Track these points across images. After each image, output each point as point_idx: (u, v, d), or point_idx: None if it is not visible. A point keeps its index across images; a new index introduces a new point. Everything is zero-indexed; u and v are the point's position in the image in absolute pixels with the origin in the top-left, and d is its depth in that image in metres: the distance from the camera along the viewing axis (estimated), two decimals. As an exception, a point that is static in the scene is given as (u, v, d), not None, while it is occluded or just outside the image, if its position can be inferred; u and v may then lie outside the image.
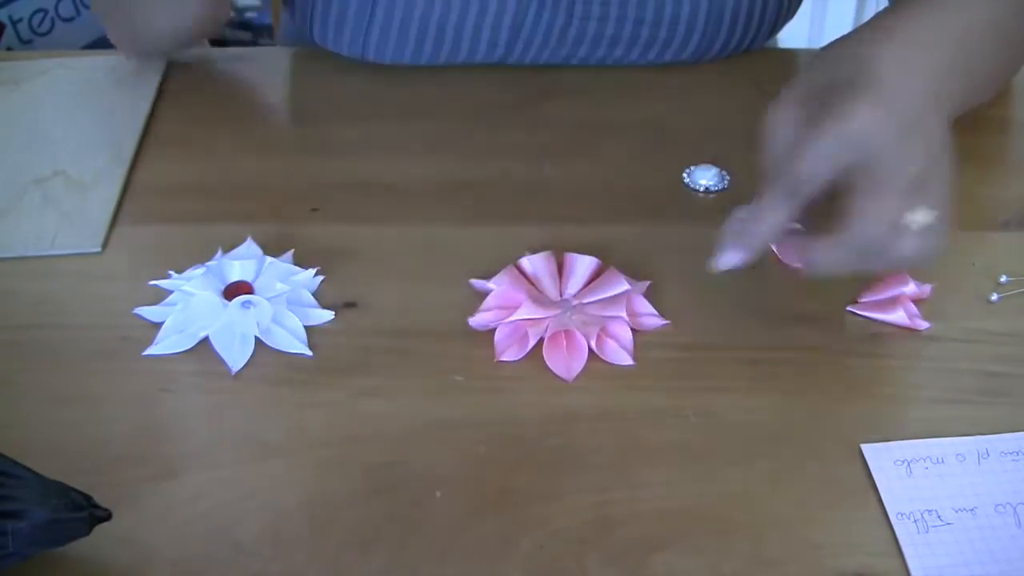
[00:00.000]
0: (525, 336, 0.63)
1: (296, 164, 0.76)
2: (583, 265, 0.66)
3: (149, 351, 0.63)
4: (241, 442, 0.59)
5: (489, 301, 0.64)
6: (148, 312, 0.65)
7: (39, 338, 0.64)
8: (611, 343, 0.63)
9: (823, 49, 0.62)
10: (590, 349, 0.62)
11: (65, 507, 0.50)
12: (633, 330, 0.63)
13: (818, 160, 0.57)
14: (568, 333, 0.63)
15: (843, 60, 0.60)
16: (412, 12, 0.82)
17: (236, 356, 0.62)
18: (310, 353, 0.63)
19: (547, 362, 0.62)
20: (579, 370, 0.62)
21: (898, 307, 0.65)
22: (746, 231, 0.60)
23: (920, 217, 0.57)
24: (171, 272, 0.66)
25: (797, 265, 0.63)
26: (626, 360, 0.62)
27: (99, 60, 0.87)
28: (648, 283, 0.66)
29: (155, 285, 0.66)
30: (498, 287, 0.65)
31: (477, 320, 0.64)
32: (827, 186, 0.58)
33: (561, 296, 0.65)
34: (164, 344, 0.63)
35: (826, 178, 0.57)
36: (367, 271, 0.68)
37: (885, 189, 0.57)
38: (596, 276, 0.66)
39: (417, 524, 0.55)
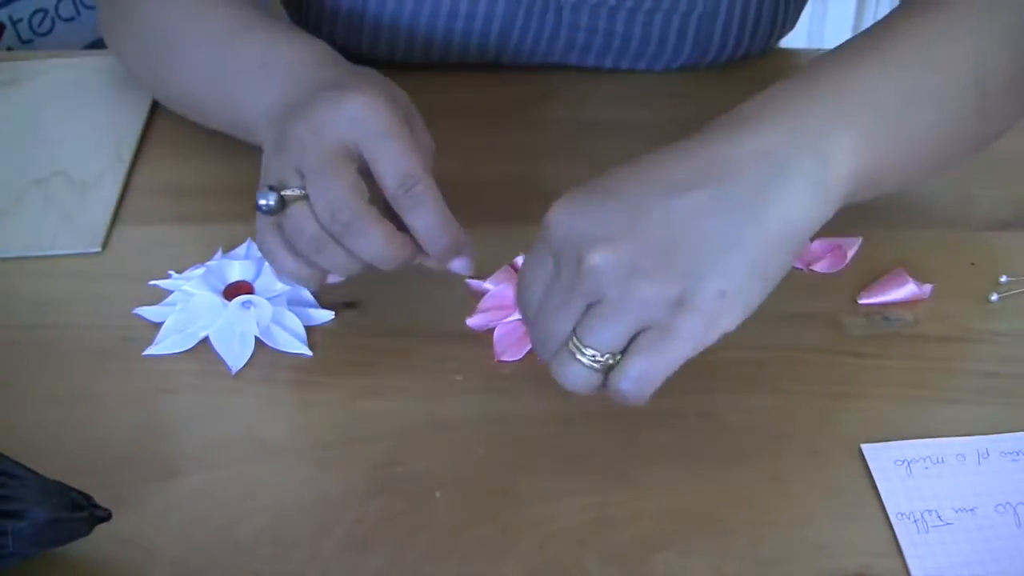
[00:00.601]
0: (524, 336, 0.63)
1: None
2: None
3: (149, 351, 0.63)
4: (241, 442, 0.59)
5: (486, 302, 0.64)
6: (148, 312, 0.65)
7: (39, 338, 0.64)
8: None
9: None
10: None
11: (65, 507, 0.50)
12: None
13: (558, 319, 0.52)
14: (520, 326, 0.63)
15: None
16: (401, 13, 0.82)
17: (236, 356, 0.62)
18: (310, 353, 0.63)
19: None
20: (511, 359, 0.62)
21: (904, 284, 0.65)
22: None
23: (574, 349, 0.51)
24: (171, 272, 0.66)
25: (828, 270, 0.65)
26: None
27: (98, 60, 0.87)
28: None
29: (155, 285, 0.66)
30: (494, 287, 0.65)
31: (475, 321, 0.64)
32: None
33: None
34: (164, 344, 0.63)
35: (570, 329, 0.51)
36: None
37: (558, 289, 0.52)
38: None
39: (417, 524, 0.55)
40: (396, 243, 0.58)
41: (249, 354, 0.63)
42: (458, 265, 0.61)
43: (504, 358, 0.62)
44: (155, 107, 0.82)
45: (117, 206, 0.73)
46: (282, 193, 0.58)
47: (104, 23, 0.80)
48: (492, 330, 0.64)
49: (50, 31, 1.13)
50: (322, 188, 0.57)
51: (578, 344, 0.51)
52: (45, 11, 1.13)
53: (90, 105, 0.82)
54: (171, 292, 0.66)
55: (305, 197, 0.58)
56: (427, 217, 0.58)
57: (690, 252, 0.50)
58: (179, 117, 0.79)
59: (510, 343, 0.63)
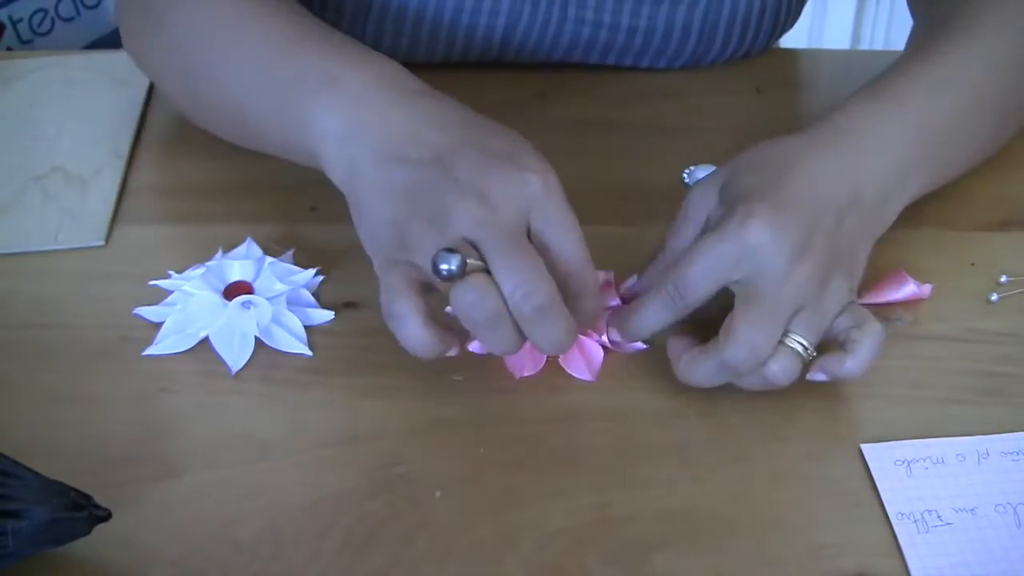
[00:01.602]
0: (538, 355, 0.62)
1: (295, 164, 0.76)
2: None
3: (149, 351, 0.63)
4: (241, 442, 0.59)
5: None
6: (148, 312, 0.65)
7: (39, 338, 0.64)
8: (576, 355, 0.62)
9: (749, 149, 0.62)
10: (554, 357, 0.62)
11: (65, 507, 0.50)
12: (608, 349, 0.63)
13: (705, 271, 0.57)
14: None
15: (756, 166, 0.59)
16: (406, 9, 0.82)
17: (236, 356, 0.62)
18: (310, 353, 0.63)
19: (567, 369, 0.62)
20: (599, 366, 0.62)
21: (904, 284, 0.65)
22: (624, 323, 0.60)
23: (793, 344, 0.57)
24: (171, 272, 0.66)
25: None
26: (587, 376, 0.62)
27: (92, 58, 0.87)
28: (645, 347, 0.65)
29: (155, 285, 0.66)
30: None
31: (478, 345, 0.62)
32: (713, 296, 0.58)
33: None
34: (164, 344, 0.63)
35: (711, 290, 0.57)
36: (367, 271, 0.68)
37: (765, 316, 0.56)
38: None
39: (417, 524, 0.55)
40: (574, 335, 0.57)
41: (249, 354, 0.63)
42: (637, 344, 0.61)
43: (525, 374, 0.62)
44: (149, 105, 0.82)
45: (117, 202, 0.73)
46: (469, 261, 0.53)
47: (126, 25, 0.76)
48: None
49: (50, 31, 1.13)
50: (515, 265, 0.54)
51: (797, 339, 0.57)
52: (45, 11, 1.13)
53: (84, 102, 0.82)
54: (171, 292, 0.66)
55: (486, 270, 0.54)
56: (589, 308, 0.59)
57: (852, 251, 0.60)
58: (174, 115, 0.79)
59: (525, 358, 0.62)
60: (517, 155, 0.58)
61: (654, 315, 0.59)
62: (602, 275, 0.64)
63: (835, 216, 0.59)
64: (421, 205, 0.56)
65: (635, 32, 0.83)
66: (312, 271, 0.66)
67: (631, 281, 0.64)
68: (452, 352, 0.59)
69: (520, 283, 0.54)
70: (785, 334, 0.57)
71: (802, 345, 0.57)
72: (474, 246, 0.55)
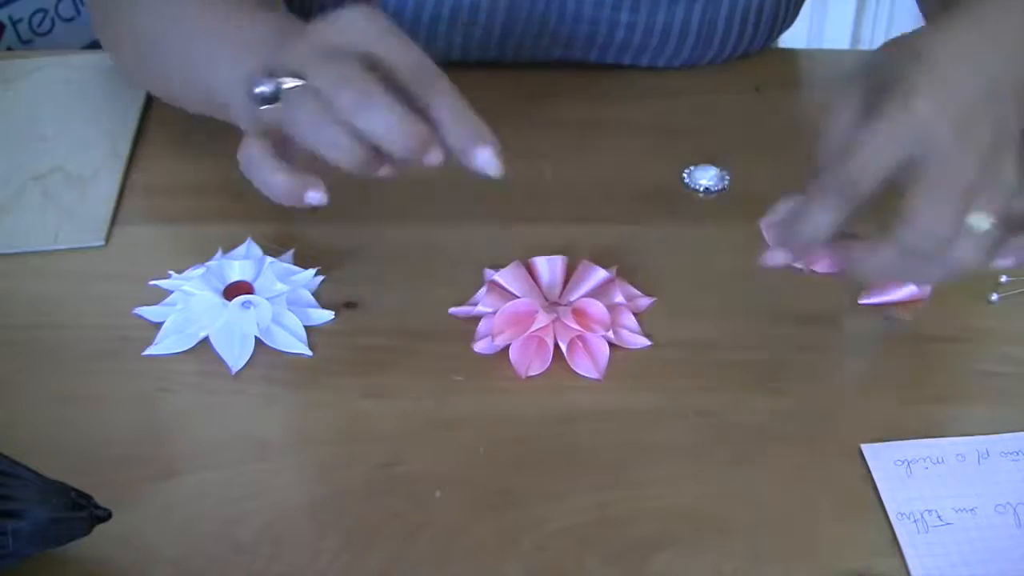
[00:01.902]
0: (543, 345, 0.62)
1: (296, 164, 0.76)
2: (593, 276, 0.65)
3: (149, 351, 0.63)
4: (241, 442, 0.59)
5: (496, 322, 0.62)
6: (148, 312, 0.65)
7: (39, 338, 0.64)
8: (583, 354, 0.62)
9: (883, 45, 0.59)
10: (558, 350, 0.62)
11: (65, 507, 0.50)
12: (614, 345, 0.63)
13: (874, 153, 0.53)
14: (581, 336, 0.62)
15: (901, 54, 0.56)
16: (404, 6, 0.82)
17: (236, 356, 0.62)
18: (310, 353, 0.63)
19: (573, 368, 0.62)
20: (605, 365, 0.62)
21: (904, 284, 0.65)
22: (793, 231, 0.56)
23: (977, 222, 0.53)
24: (171, 272, 0.66)
25: (828, 271, 0.61)
26: (593, 374, 0.62)
27: (91, 58, 0.87)
28: (652, 300, 0.66)
29: (155, 285, 0.66)
30: (491, 308, 0.63)
31: (485, 345, 0.63)
32: (882, 185, 0.54)
33: (551, 299, 0.65)
34: (164, 344, 0.63)
35: (882, 174, 0.53)
36: (367, 271, 0.68)
37: (943, 190, 0.53)
38: (604, 286, 0.65)
39: (417, 524, 0.55)
40: (411, 119, 0.54)
41: (249, 354, 0.63)
42: (484, 158, 0.56)
43: (531, 373, 0.62)
44: (149, 105, 0.82)
45: (117, 202, 0.73)
46: (279, 81, 0.54)
47: (96, 23, 0.80)
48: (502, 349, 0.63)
49: (50, 31, 1.13)
50: (326, 68, 0.54)
51: (982, 216, 0.53)
52: (45, 11, 1.13)
53: (83, 102, 0.82)
54: (171, 292, 0.66)
55: (302, 88, 0.54)
56: (444, 98, 0.55)
57: (1017, 129, 0.55)
58: (174, 115, 0.78)
59: (531, 356, 0.62)
60: (352, 7, 0.57)
61: (826, 212, 0.55)
62: (604, 272, 0.64)
63: (995, 89, 0.55)
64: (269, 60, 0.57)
65: (634, 29, 0.83)
66: (312, 271, 0.66)
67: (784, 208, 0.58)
68: (314, 194, 0.57)
69: (333, 78, 0.53)
70: (967, 212, 0.53)
71: (989, 221, 0.53)
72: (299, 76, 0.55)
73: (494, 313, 0.62)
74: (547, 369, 0.62)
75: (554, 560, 0.53)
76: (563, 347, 0.62)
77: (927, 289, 0.66)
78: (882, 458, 0.57)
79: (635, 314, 0.64)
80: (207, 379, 0.62)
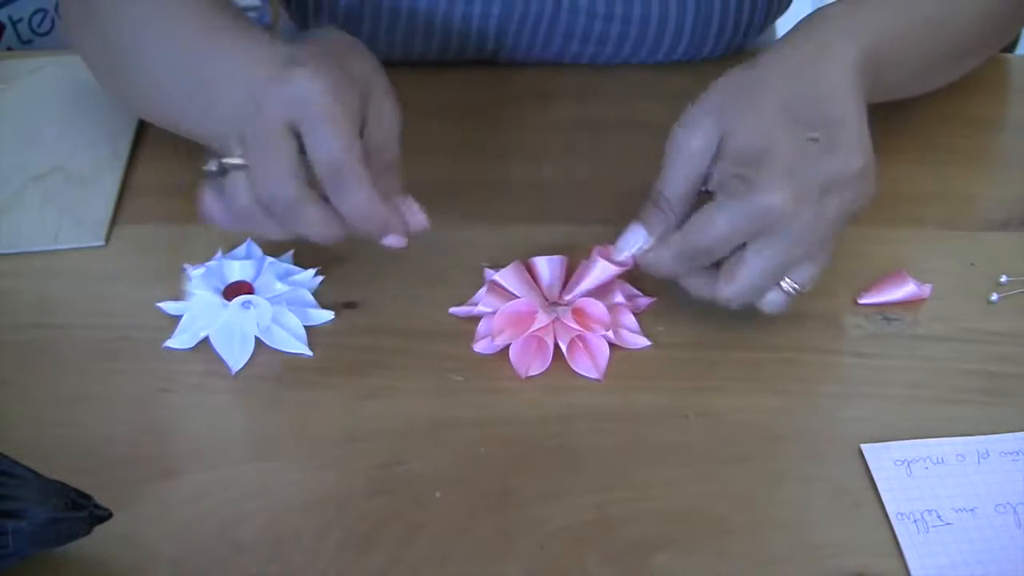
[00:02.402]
0: (542, 345, 0.62)
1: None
2: (595, 272, 0.65)
3: (168, 343, 0.63)
4: (241, 442, 0.59)
5: (495, 323, 0.62)
6: (169, 307, 0.65)
7: (40, 338, 0.64)
8: (582, 354, 0.62)
9: (730, 77, 0.64)
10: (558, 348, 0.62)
11: (65, 507, 0.50)
12: (615, 345, 0.63)
13: (728, 236, 0.59)
14: (581, 336, 0.62)
15: (759, 111, 0.60)
16: (399, 4, 0.82)
17: (236, 356, 0.62)
18: (310, 353, 0.63)
19: (574, 368, 0.62)
20: (605, 365, 0.62)
21: (904, 284, 0.65)
22: (641, 265, 0.63)
23: (785, 286, 0.61)
24: (186, 266, 0.66)
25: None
26: (593, 374, 0.62)
27: (91, 59, 0.87)
28: (651, 300, 0.66)
29: (186, 270, 0.66)
30: (491, 308, 0.63)
31: (485, 345, 0.63)
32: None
33: (551, 299, 0.65)
34: (179, 339, 0.63)
35: (728, 249, 0.60)
36: (367, 271, 0.68)
37: (772, 264, 0.60)
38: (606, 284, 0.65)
39: (417, 524, 0.55)
40: (332, 226, 0.60)
41: (249, 354, 0.63)
42: (390, 240, 0.62)
43: (531, 373, 0.62)
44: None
45: (117, 202, 0.73)
46: (223, 161, 0.60)
47: (66, 21, 0.78)
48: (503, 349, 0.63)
49: (50, 31, 1.13)
50: (261, 167, 0.59)
51: (791, 283, 0.61)
52: (45, 11, 1.12)
53: (83, 102, 0.82)
54: (185, 288, 0.66)
55: (245, 166, 0.60)
56: (351, 203, 0.60)
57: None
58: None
59: (530, 356, 0.62)
60: (300, 61, 0.60)
61: (668, 268, 0.62)
62: (612, 269, 0.64)
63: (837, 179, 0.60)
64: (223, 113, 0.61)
65: (630, 21, 0.83)
66: (312, 271, 0.66)
67: (633, 236, 0.63)
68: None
69: (264, 185, 0.59)
70: (781, 279, 0.61)
71: (793, 288, 0.61)
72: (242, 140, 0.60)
73: (494, 313, 0.62)
74: (547, 369, 0.62)
75: (554, 560, 0.53)
76: (563, 347, 0.62)
77: (927, 289, 0.66)
78: (882, 458, 0.57)
79: (635, 314, 0.64)
80: (207, 379, 0.62)
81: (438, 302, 0.66)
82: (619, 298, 0.64)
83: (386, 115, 0.63)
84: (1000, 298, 0.66)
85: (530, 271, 0.65)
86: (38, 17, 1.12)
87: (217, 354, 0.63)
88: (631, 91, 0.85)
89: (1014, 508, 0.55)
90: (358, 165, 0.59)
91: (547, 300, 0.64)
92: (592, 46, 0.85)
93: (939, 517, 0.55)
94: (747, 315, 0.65)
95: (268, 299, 0.64)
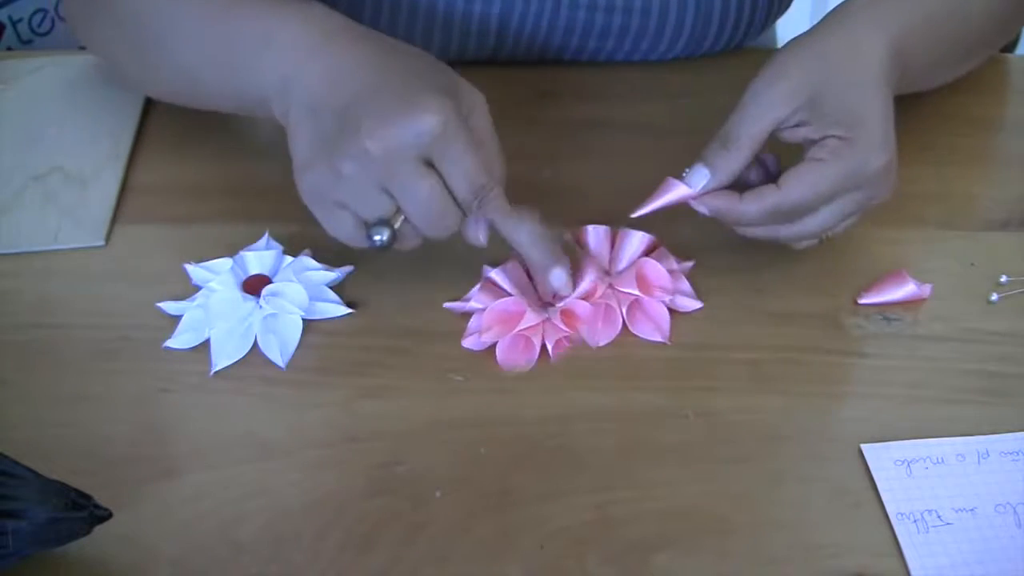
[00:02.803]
0: (530, 342, 0.62)
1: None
2: (634, 242, 0.66)
3: (168, 343, 0.63)
4: (241, 442, 0.59)
5: (486, 319, 0.63)
6: (169, 307, 0.65)
7: (39, 338, 0.64)
8: (644, 319, 0.64)
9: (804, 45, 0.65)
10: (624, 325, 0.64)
11: (65, 507, 0.50)
12: (617, 345, 0.63)
13: (831, 194, 0.62)
14: (608, 307, 0.63)
15: (845, 90, 0.62)
16: (400, 2, 0.82)
17: (228, 354, 0.62)
18: (350, 310, 0.65)
19: (635, 332, 0.63)
20: (606, 341, 0.63)
21: (904, 284, 0.66)
22: (729, 221, 0.63)
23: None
24: (186, 265, 0.66)
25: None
26: (657, 337, 0.63)
27: (90, 58, 0.86)
28: (692, 263, 0.67)
29: (188, 267, 0.66)
30: (482, 304, 0.64)
31: (473, 341, 0.63)
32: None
33: (608, 272, 0.66)
34: (181, 339, 0.63)
35: (824, 204, 0.62)
36: (367, 271, 0.68)
37: (848, 211, 0.63)
38: (645, 253, 0.66)
39: (417, 524, 0.55)
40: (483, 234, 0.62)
41: (243, 353, 0.63)
42: (555, 278, 0.63)
43: (517, 366, 0.62)
44: (149, 105, 0.82)
45: (117, 201, 0.73)
46: (396, 228, 0.60)
47: (70, 11, 0.79)
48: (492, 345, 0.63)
49: (50, 31, 1.13)
50: (423, 207, 0.60)
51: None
52: (45, 11, 1.12)
53: (83, 102, 0.82)
54: (189, 282, 0.66)
55: (405, 222, 0.60)
56: (523, 230, 0.62)
57: None
58: (174, 115, 0.79)
59: (517, 352, 0.62)
60: (416, 98, 0.60)
61: (752, 219, 0.63)
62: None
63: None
64: (334, 153, 0.60)
65: (631, 13, 0.83)
66: (320, 267, 0.66)
67: (697, 175, 0.64)
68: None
69: (429, 222, 0.60)
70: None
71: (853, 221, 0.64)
72: (387, 192, 0.60)
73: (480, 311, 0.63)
74: (547, 367, 0.62)
75: (554, 560, 0.53)
76: (549, 347, 0.62)
77: (927, 289, 0.66)
78: (882, 458, 0.57)
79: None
80: (207, 379, 0.62)
81: (438, 302, 0.66)
82: (673, 264, 0.65)
83: (485, 130, 0.63)
84: (1000, 298, 0.66)
85: (578, 239, 0.66)
86: (38, 17, 1.12)
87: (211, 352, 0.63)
88: (631, 91, 0.85)
89: (1014, 508, 0.55)
90: (499, 187, 0.61)
91: (540, 301, 0.64)
92: (593, 41, 0.85)
93: (939, 517, 0.55)
94: (747, 315, 0.66)
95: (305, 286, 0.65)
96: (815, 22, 0.67)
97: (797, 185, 0.61)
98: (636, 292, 0.63)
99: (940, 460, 0.57)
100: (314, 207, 0.62)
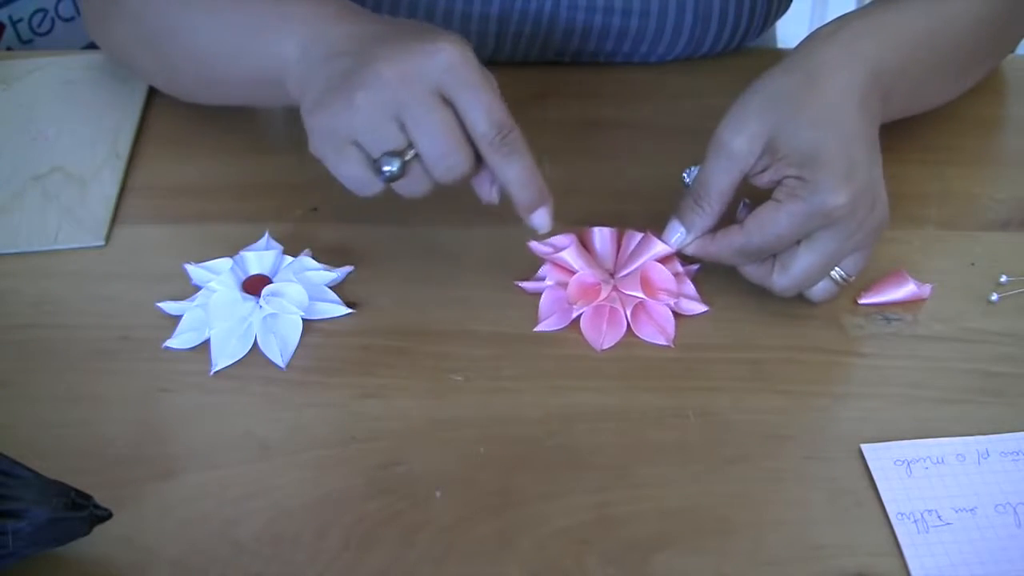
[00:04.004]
0: (568, 308, 0.63)
1: (296, 163, 0.76)
2: (635, 242, 0.66)
3: (168, 343, 0.63)
4: (241, 442, 0.59)
5: (571, 293, 0.64)
6: (169, 307, 0.65)
7: (39, 338, 0.64)
8: (648, 321, 0.64)
9: (776, 78, 0.64)
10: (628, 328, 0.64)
11: (65, 507, 0.50)
12: (620, 345, 0.64)
13: (791, 234, 0.61)
14: (612, 309, 0.63)
15: (810, 109, 0.61)
16: (399, 2, 0.82)
17: (228, 354, 0.62)
18: (350, 310, 0.65)
19: (640, 336, 0.63)
20: (611, 344, 0.63)
21: (904, 284, 0.66)
22: (703, 251, 0.64)
23: (836, 276, 0.63)
24: (185, 265, 0.66)
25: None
26: (661, 341, 0.63)
27: (91, 58, 0.87)
28: (697, 267, 0.67)
29: (185, 269, 0.66)
30: (554, 280, 0.65)
31: (530, 285, 0.65)
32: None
33: (613, 274, 0.66)
34: (182, 339, 0.63)
35: (789, 245, 0.62)
36: (367, 271, 0.68)
37: (830, 253, 0.62)
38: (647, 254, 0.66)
39: (417, 524, 0.55)
40: (493, 190, 0.63)
41: (242, 353, 0.63)
42: (539, 218, 0.63)
43: (543, 328, 0.63)
44: (149, 104, 0.82)
45: (117, 201, 0.73)
46: (405, 160, 0.59)
47: (88, 15, 0.80)
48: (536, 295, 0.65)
49: (50, 31, 1.13)
50: (436, 142, 0.59)
51: (841, 273, 0.64)
52: (45, 11, 1.12)
53: (83, 102, 0.82)
54: (191, 283, 0.66)
55: (416, 157, 0.60)
56: (520, 165, 0.61)
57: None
58: (174, 115, 0.79)
59: (552, 311, 0.64)
60: (433, 34, 0.60)
61: (727, 261, 0.64)
62: (667, 249, 0.65)
63: (870, 148, 0.62)
64: (348, 84, 0.60)
65: (630, 15, 0.83)
66: (319, 266, 0.66)
67: (672, 231, 0.64)
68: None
69: (440, 156, 0.59)
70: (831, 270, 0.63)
71: (842, 277, 0.64)
72: (399, 122, 0.59)
73: (555, 288, 0.65)
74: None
75: (554, 560, 0.53)
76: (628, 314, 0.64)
77: (927, 289, 0.66)
78: (882, 458, 0.57)
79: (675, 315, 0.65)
80: (207, 379, 0.62)
81: (438, 302, 0.66)
82: (678, 267, 0.66)
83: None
84: (1000, 298, 0.66)
85: (584, 241, 0.67)
86: (38, 17, 1.12)
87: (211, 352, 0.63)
88: (631, 91, 0.85)
89: (1014, 508, 0.55)
90: (519, 129, 0.61)
91: (607, 272, 0.66)
92: (592, 42, 0.85)
93: (939, 517, 0.55)
94: (747, 315, 0.66)
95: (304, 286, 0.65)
96: (815, 23, 0.67)
97: (756, 227, 0.61)
98: (641, 295, 0.63)
99: (940, 460, 0.57)
100: (324, 148, 0.61)
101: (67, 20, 1.15)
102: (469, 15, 0.83)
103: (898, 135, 0.67)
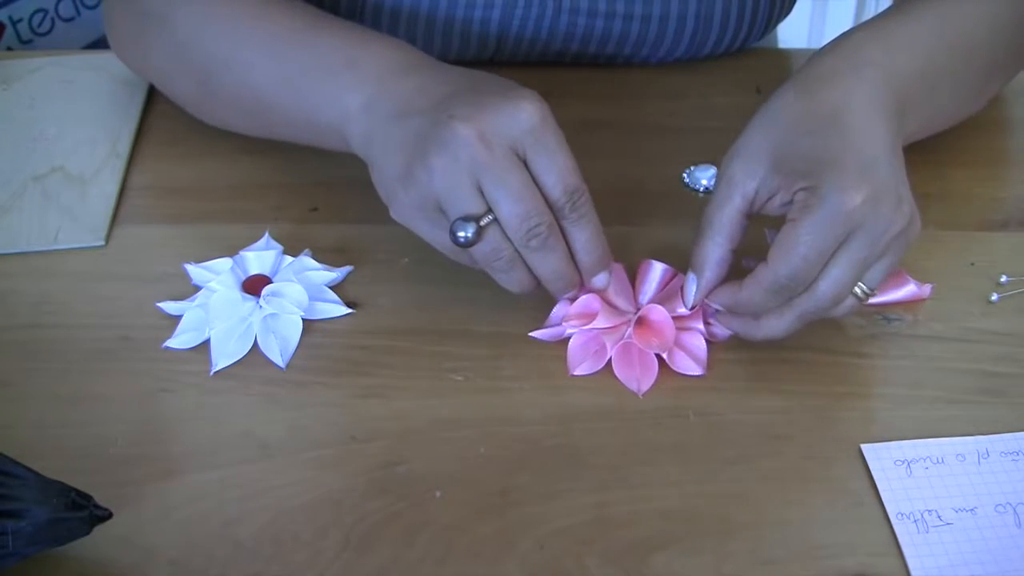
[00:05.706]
0: (602, 348, 0.62)
1: (296, 164, 0.76)
2: (656, 272, 0.65)
3: (168, 343, 0.63)
4: (241, 442, 0.59)
5: (572, 310, 0.63)
6: (169, 307, 0.65)
7: (40, 337, 0.65)
8: (681, 354, 0.62)
9: (773, 104, 0.61)
10: (660, 360, 0.62)
11: (65, 507, 0.50)
12: (710, 342, 0.63)
13: (819, 251, 0.57)
14: (641, 351, 0.62)
15: (810, 117, 0.59)
16: (400, 5, 0.82)
17: (228, 354, 0.62)
18: (350, 310, 0.65)
19: (674, 368, 0.62)
20: (649, 385, 0.61)
21: (904, 284, 0.66)
22: (747, 330, 0.61)
23: (858, 290, 0.59)
24: (185, 265, 0.66)
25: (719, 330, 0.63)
26: (695, 371, 0.62)
27: (89, 58, 0.87)
28: (730, 333, 0.64)
29: (185, 269, 0.66)
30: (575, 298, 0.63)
31: (545, 332, 0.63)
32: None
33: (635, 306, 0.64)
34: (182, 339, 0.63)
35: (824, 262, 0.57)
36: (367, 271, 0.68)
37: (853, 266, 0.57)
38: (668, 283, 0.65)
39: (417, 524, 0.55)
40: (572, 269, 0.61)
41: (242, 353, 0.63)
42: (600, 280, 0.62)
43: (580, 372, 0.62)
44: (149, 104, 0.82)
45: (117, 201, 0.73)
46: (481, 224, 0.58)
47: (117, 32, 0.78)
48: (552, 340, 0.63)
49: (50, 31, 1.13)
50: (516, 200, 0.58)
51: (863, 286, 0.59)
52: (45, 11, 1.13)
53: (83, 102, 0.83)
54: (192, 283, 0.66)
55: (495, 222, 0.58)
56: (589, 231, 0.60)
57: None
58: (174, 114, 0.79)
59: (587, 354, 0.62)
60: (511, 92, 0.60)
61: (762, 305, 0.59)
62: (663, 268, 0.64)
63: (891, 151, 0.60)
64: (425, 147, 0.58)
65: (631, 20, 0.83)
66: (320, 267, 0.66)
67: (689, 287, 0.61)
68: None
69: (522, 218, 0.58)
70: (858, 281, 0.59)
71: (863, 291, 0.60)
72: (478, 186, 0.58)
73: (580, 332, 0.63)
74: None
75: (554, 560, 0.53)
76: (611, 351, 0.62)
77: (927, 289, 0.66)
78: (882, 458, 0.57)
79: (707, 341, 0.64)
80: (207, 379, 0.62)
81: (438, 302, 0.66)
82: (699, 324, 0.63)
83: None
84: (1000, 298, 0.66)
85: (634, 274, 0.65)
86: (38, 17, 1.12)
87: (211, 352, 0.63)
88: (632, 91, 0.85)
89: (1014, 508, 0.55)
90: (588, 191, 0.60)
91: (619, 310, 0.64)
92: (593, 46, 0.85)
93: (939, 517, 0.55)
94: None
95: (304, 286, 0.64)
96: (815, 23, 0.67)
97: (780, 254, 0.57)
98: (699, 325, 0.62)
99: (940, 460, 0.57)
100: (413, 219, 0.60)
101: (67, 20, 1.15)
102: (470, 20, 0.83)
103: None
